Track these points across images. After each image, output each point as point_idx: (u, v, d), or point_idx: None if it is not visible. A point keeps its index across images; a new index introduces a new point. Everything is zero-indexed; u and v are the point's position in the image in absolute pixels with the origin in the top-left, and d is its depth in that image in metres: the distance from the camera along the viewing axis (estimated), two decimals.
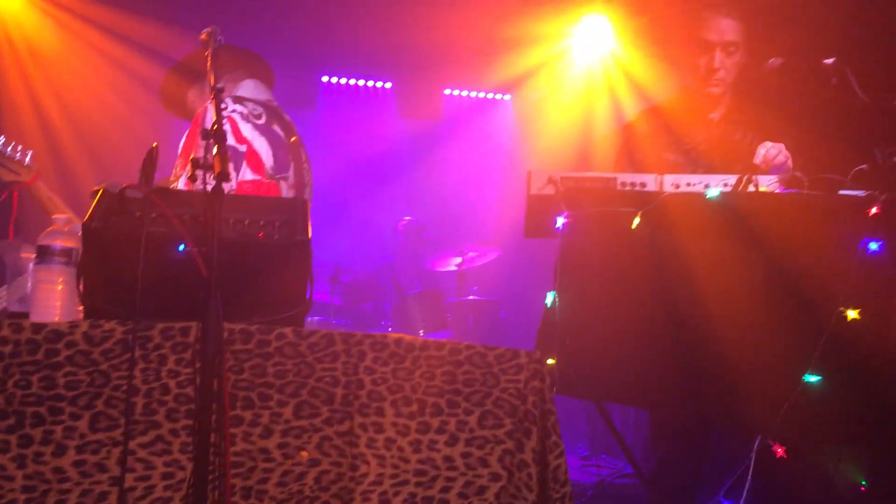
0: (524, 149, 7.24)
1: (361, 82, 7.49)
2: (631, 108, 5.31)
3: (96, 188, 1.94)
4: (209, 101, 1.98)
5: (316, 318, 5.88)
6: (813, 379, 2.18)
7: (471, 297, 6.27)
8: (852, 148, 2.52)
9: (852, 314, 2.17)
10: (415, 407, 1.93)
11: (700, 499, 2.85)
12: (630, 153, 3.27)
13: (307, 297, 1.98)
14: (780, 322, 2.25)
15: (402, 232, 6.87)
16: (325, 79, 7.41)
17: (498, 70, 6.64)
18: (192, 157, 2.10)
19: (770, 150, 2.76)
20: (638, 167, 3.18)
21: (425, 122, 7.76)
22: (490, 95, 7.69)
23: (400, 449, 1.90)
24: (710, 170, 3.02)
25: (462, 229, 7.07)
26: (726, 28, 3.05)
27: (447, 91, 7.63)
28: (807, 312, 2.23)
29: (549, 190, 2.46)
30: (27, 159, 2.86)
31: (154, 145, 1.99)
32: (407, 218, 6.93)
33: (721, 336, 2.23)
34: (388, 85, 7.51)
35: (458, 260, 6.19)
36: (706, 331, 2.25)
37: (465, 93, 7.67)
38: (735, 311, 2.25)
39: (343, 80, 7.45)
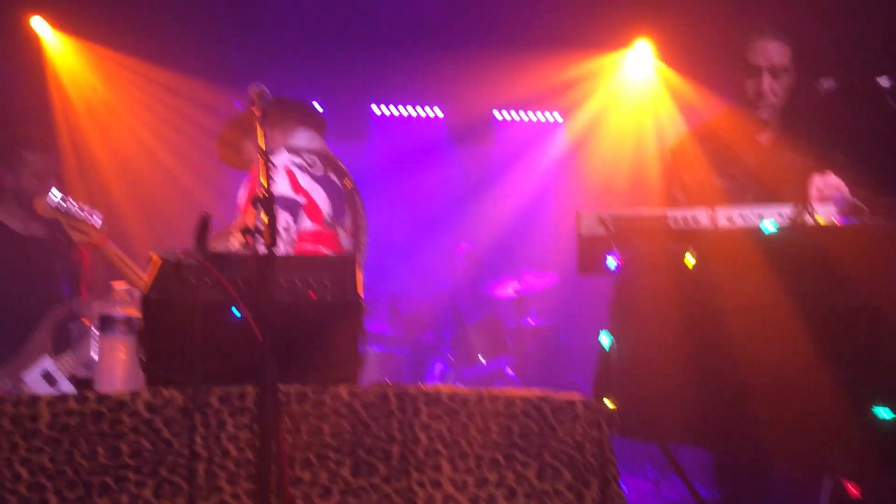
0: (577, 170, 7.19)
1: (412, 111, 7.56)
2: (679, 130, 5.25)
3: (152, 255, 1.99)
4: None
5: (377, 348, 5.90)
6: (884, 412, 2.10)
7: (530, 322, 6.23)
8: None
9: None
10: (472, 462, 1.93)
11: None
12: (680, 178, 3.21)
13: (360, 353, 1.99)
14: (844, 356, 2.18)
15: (462, 257, 6.84)
16: (375, 109, 7.49)
17: (548, 93, 6.65)
18: (243, 226, 2.14)
19: (818, 187, 2.63)
20: (688, 192, 3.13)
21: (477, 146, 7.78)
22: (541, 117, 7.66)
23: None
24: (761, 195, 2.94)
25: (519, 254, 7.02)
26: (773, 51, 2.98)
27: (498, 115, 7.64)
28: (873, 345, 2.16)
29: (600, 230, 2.44)
30: (98, 221, 2.93)
31: (206, 211, 2.03)
32: (466, 243, 6.92)
33: (782, 373, 2.17)
34: (440, 112, 7.55)
35: (516, 285, 6.16)
36: (766, 368, 2.19)
37: (516, 115, 7.67)
38: (796, 347, 2.18)
39: (393, 110, 7.53)
